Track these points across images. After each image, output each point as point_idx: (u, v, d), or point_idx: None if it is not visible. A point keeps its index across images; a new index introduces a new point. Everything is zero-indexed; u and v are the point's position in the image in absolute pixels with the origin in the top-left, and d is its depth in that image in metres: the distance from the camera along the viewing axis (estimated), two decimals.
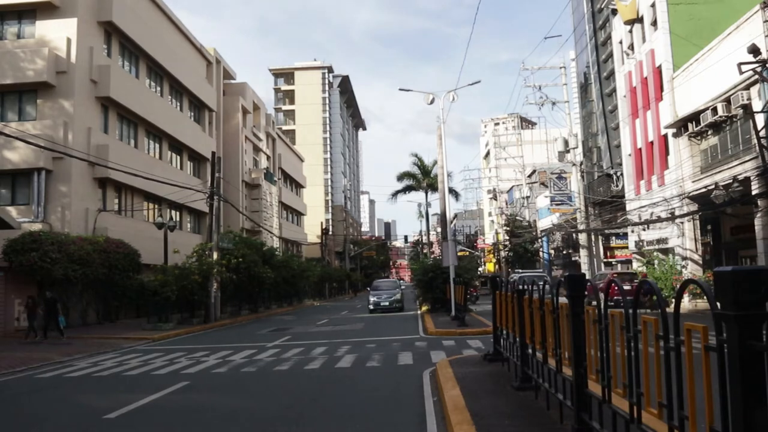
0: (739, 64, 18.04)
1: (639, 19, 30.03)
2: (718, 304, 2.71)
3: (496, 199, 76.25)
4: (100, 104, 27.71)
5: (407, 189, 49.98)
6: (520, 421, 5.79)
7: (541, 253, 56.08)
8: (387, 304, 29.34)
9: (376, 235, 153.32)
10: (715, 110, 22.03)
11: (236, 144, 45.59)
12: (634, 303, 3.91)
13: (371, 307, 29.64)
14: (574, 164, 33.34)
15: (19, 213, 24.29)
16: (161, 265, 24.47)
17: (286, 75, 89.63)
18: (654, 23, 28.24)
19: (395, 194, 51.25)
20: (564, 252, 50.84)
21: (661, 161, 27.69)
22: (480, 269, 70.71)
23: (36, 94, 25.68)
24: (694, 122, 24.06)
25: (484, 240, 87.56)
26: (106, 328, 23.00)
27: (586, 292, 5.10)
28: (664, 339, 3.33)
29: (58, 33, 25.47)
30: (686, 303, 23.10)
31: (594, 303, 4.58)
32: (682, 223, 25.65)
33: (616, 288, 20.16)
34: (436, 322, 19.98)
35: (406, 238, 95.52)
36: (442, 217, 28.56)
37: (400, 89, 28.33)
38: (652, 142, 28.68)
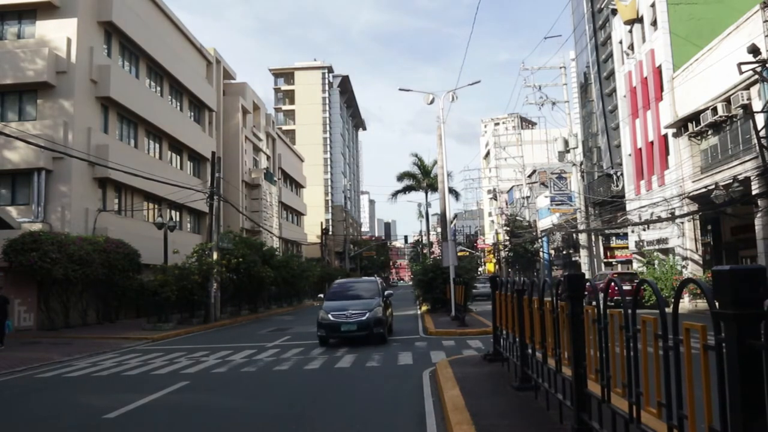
0: (739, 64, 18.05)
1: (639, 19, 30.04)
2: (717, 303, 2.72)
3: (496, 199, 76.27)
4: (100, 104, 27.70)
5: (407, 189, 49.94)
6: (520, 421, 5.79)
7: (541, 253, 56.07)
8: (353, 326, 14.56)
9: (376, 235, 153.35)
10: (715, 110, 22.04)
11: (236, 144, 45.58)
12: (633, 303, 3.91)
13: (321, 333, 15.00)
14: (574, 164, 33.33)
15: (19, 213, 24.28)
16: (161, 265, 24.46)
17: (286, 75, 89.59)
18: (654, 23, 28.25)
19: (395, 194, 51.23)
20: (564, 252, 50.83)
21: (661, 161, 27.70)
22: (480, 269, 70.83)
23: (36, 94, 25.67)
24: (694, 122, 24.07)
25: (484, 240, 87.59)
26: (105, 328, 23.00)
27: (585, 292, 5.11)
28: (663, 338, 3.33)
29: (58, 33, 25.46)
30: (686, 303, 23.11)
31: (594, 303, 4.58)
32: (682, 223, 25.65)
33: (615, 288, 20.18)
34: (436, 322, 19.97)
35: (406, 238, 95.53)
36: (442, 217, 28.52)
37: (400, 89, 28.29)
38: (652, 142, 28.69)
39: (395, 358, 12.35)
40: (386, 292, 16.33)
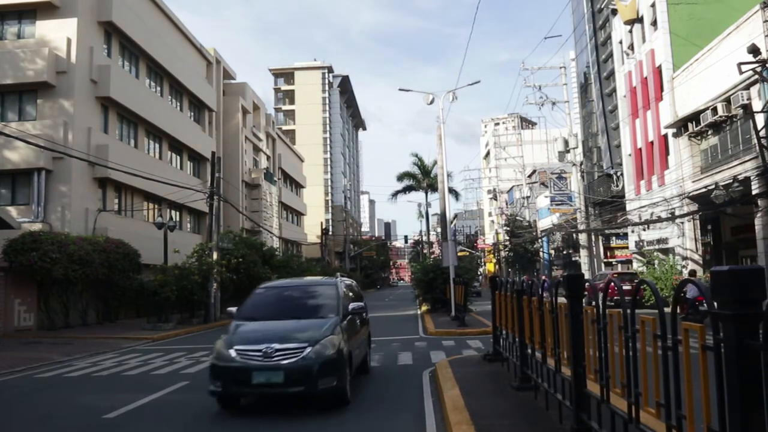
0: (739, 64, 18.04)
1: (639, 19, 30.05)
2: (716, 303, 2.72)
3: (496, 199, 76.29)
4: (100, 104, 27.70)
5: (407, 189, 50.02)
6: (519, 421, 5.80)
7: (541, 254, 56.09)
8: (278, 376, 7.19)
9: (376, 235, 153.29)
10: (715, 110, 22.04)
11: (236, 144, 45.58)
12: (632, 303, 3.91)
13: (216, 387, 7.44)
14: (574, 164, 33.34)
15: (19, 213, 24.28)
16: (161, 265, 24.46)
17: (286, 75, 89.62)
18: (654, 23, 28.25)
19: (395, 194, 51.33)
20: (564, 252, 50.84)
21: (661, 161, 27.70)
22: (480, 269, 70.87)
23: (36, 94, 25.67)
24: (694, 122, 24.07)
25: (484, 240, 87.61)
26: (105, 328, 23.00)
27: (585, 292, 5.12)
28: (662, 339, 3.34)
29: (58, 33, 25.46)
30: None
31: (593, 303, 4.59)
32: (682, 223, 25.66)
33: (615, 288, 20.16)
34: (436, 322, 19.99)
35: (406, 238, 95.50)
36: (442, 217, 28.52)
37: (400, 89, 28.31)
38: (652, 142, 28.69)
39: (395, 358, 12.36)
40: (352, 306, 8.92)
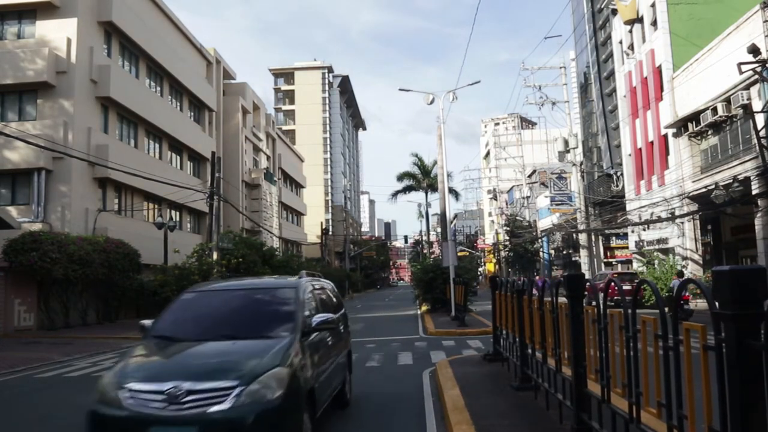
0: (739, 64, 18.05)
1: (639, 19, 30.06)
2: (717, 303, 2.72)
3: (496, 199, 76.30)
4: (100, 104, 27.69)
5: (407, 189, 50.04)
6: (520, 421, 5.79)
7: (541, 254, 56.10)
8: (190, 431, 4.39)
9: (376, 235, 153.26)
10: (715, 110, 22.05)
11: (236, 144, 45.57)
12: (633, 302, 3.91)
13: None
14: (574, 164, 33.33)
15: (19, 213, 24.27)
16: (161, 265, 24.47)
17: (286, 75, 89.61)
18: (654, 23, 28.26)
19: (395, 194, 51.35)
20: (564, 252, 50.84)
21: (661, 161, 27.71)
22: (480, 269, 70.88)
23: (36, 94, 25.66)
24: (694, 122, 24.08)
25: (484, 240, 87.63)
26: (106, 328, 22.99)
27: (585, 292, 5.12)
28: (663, 338, 3.33)
29: (58, 33, 25.45)
30: None
31: (594, 303, 4.58)
32: (682, 223, 25.66)
33: (615, 288, 20.15)
34: (436, 322, 19.98)
35: (406, 238, 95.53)
36: (442, 218, 28.52)
37: (400, 89, 28.32)
38: (652, 142, 28.70)
39: (395, 358, 12.35)
40: (319, 318, 6.00)
